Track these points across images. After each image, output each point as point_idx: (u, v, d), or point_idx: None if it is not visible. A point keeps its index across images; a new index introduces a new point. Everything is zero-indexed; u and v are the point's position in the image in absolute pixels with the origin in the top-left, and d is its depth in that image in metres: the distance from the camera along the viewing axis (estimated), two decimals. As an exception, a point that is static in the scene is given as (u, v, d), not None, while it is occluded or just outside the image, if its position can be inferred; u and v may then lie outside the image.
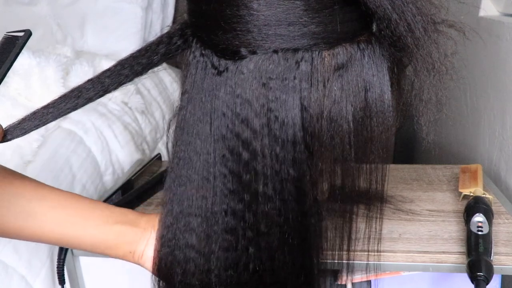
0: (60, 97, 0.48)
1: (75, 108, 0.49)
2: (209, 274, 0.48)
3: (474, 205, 0.73)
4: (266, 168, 0.44)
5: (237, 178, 0.45)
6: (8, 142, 0.48)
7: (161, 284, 0.53)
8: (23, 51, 0.49)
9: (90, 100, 0.49)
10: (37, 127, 0.48)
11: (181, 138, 0.47)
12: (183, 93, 0.47)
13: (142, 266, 0.54)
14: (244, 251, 0.47)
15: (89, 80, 0.49)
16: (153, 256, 0.52)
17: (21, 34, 0.50)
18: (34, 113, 0.48)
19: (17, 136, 0.48)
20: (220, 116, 0.44)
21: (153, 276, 0.53)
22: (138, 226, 0.53)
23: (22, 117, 0.48)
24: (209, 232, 0.47)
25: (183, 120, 0.47)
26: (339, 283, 0.74)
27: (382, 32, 0.42)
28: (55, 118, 0.48)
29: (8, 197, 0.50)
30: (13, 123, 0.48)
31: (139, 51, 0.49)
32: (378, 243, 0.59)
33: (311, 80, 0.42)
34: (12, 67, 0.48)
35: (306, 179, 0.45)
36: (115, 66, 0.48)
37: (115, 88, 0.49)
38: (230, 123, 0.44)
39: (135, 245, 0.53)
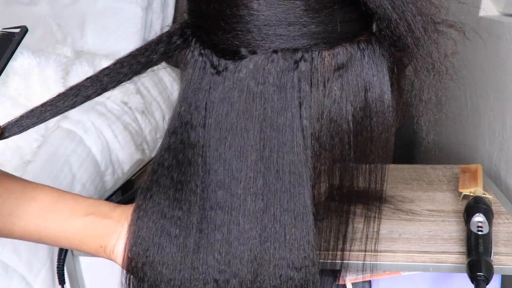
0: (59, 95, 0.48)
1: (73, 106, 0.48)
2: (188, 284, 0.45)
3: (474, 205, 0.73)
4: (258, 173, 0.42)
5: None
6: (8, 142, 0.47)
7: (131, 283, 0.49)
8: (23, 51, 0.49)
9: (88, 98, 0.48)
10: (35, 124, 0.47)
11: (173, 133, 0.46)
12: (179, 92, 0.46)
13: (114, 261, 0.50)
14: (228, 263, 0.44)
15: (87, 78, 0.48)
16: (123, 254, 0.48)
17: (17, 30, 0.50)
18: (32, 111, 0.48)
19: (15, 134, 0.48)
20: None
21: (124, 272, 0.49)
22: (111, 218, 0.48)
23: (20, 114, 0.48)
24: (192, 236, 0.44)
25: (175, 118, 0.46)
26: (339, 283, 0.74)
27: (382, 32, 0.42)
28: (53, 116, 0.48)
29: None
30: (11, 121, 0.48)
31: (138, 49, 0.48)
32: (375, 243, 0.59)
33: (311, 80, 0.42)
34: (12, 67, 0.48)
35: (305, 182, 0.43)
36: (114, 64, 0.48)
37: (114, 87, 0.48)
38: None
39: (107, 239, 0.48)
